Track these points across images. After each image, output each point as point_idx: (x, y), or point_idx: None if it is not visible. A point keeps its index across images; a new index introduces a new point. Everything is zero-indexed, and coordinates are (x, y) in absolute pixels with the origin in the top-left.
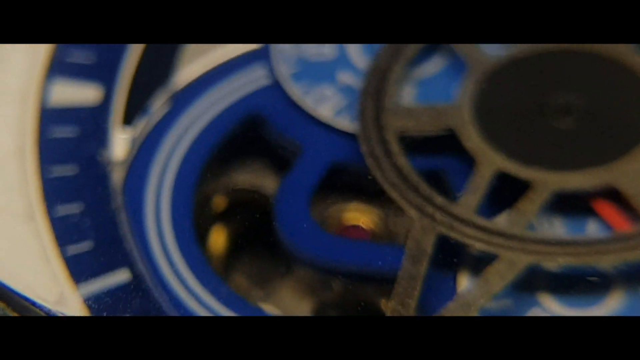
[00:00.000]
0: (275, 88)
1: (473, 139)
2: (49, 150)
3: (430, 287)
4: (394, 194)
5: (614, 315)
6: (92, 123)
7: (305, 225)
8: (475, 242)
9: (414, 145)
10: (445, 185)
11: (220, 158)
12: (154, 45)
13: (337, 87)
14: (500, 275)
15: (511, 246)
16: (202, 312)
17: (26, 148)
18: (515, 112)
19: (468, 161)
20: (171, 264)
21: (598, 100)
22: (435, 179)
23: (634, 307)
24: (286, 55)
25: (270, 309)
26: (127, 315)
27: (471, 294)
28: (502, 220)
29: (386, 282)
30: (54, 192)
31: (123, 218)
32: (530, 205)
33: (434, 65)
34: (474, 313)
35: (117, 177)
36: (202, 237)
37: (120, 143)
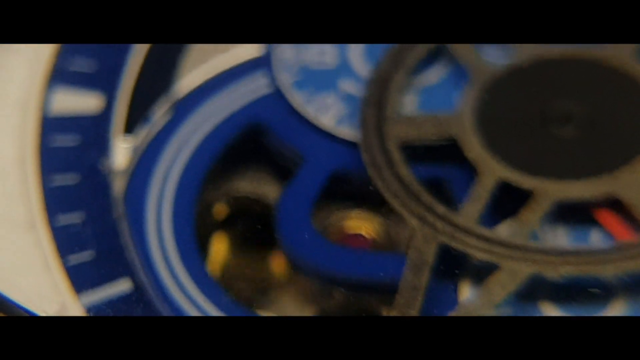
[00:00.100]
0: (277, 96)
1: (475, 148)
2: (50, 159)
3: (432, 296)
4: (395, 203)
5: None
6: (93, 132)
7: (306, 234)
8: (477, 252)
9: (416, 154)
10: (446, 194)
11: (221, 166)
12: (155, 54)
13: (339, 95)
14: (502, 285)
15: (513, 256)
16: None
17: (27, 157)
18: (517, 121)
19: (470, 170)
20: (172, 272)
21: (600, 109)
22: (437, 188)
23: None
24: (288, 63)
25: None
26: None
27: (473, 304)
28: (503, 230)
29: (387, 292)
30: (55, 201)
31: (124, 227)
32: (532, 215)
33: (435, 74)
34: None
35: (118, 186)
36: (203, 245)
37: (121, 152)
